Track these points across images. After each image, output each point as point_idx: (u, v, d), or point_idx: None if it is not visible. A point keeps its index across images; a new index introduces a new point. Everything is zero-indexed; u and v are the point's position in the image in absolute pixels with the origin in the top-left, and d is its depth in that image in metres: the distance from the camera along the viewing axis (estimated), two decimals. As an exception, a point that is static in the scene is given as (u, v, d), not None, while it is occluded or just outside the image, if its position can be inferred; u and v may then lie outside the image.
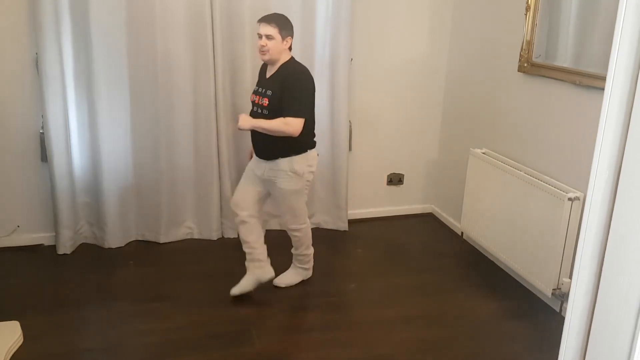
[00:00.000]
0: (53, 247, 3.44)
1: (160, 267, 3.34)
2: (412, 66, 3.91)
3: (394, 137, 4.02)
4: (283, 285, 3.07)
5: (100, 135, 3.35)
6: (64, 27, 3.15)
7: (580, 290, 1.26)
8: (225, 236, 3.72)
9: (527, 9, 3.03)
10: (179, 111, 3.45)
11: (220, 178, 3.62)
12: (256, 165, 2.88)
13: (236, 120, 2.81)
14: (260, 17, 2.74)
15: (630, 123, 1.11)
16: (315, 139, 2.91)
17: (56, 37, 3.14)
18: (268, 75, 2.79)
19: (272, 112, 2.70)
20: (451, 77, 3.95)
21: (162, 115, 3.42)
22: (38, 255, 3.44)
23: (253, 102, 2.82)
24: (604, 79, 1.24)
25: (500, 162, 3.25)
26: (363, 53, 3.75)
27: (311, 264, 3.17)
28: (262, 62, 2.87)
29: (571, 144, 2.82)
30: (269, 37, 2.66)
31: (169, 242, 3.63)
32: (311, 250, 3.13)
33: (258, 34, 2.70)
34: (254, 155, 2.90)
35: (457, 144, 3.87)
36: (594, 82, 2.61)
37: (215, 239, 3.69)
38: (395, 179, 4.13)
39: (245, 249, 2.96)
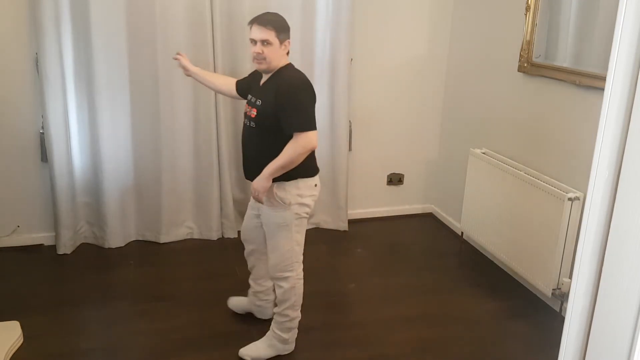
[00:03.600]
0: (53, 247, 3.44)
1: (160, 267, 3.34)
2: (412, 66, 3.91)
3: (394, 137, 4.02)
4: (248, 359, 2.47)
5: (100, 135, 3.35)
6: (64, 27, 3.15)
7: (580, 290, 1.26)
8: (225, 236, 3.72)
9: (527, 9, 3.03)
10: (179, 111, 3.45)
11: (220, 178, 3.62)
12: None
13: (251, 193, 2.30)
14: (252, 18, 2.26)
15: (630, 123, 1.11)
16: (316, 165, 2.39)
17: (56, 37, 3.14)
18: (262, 82, 2.34)
19: (259, 126, 2.27)
20: (451, 77, 3.95)
21: (162, 115, 3.42)
22: (38, 255, 3.44)
23: (244, 114, 2.39)
24: (604, 79, 1.24)
25: (500, 162, 3.25)
26: (363, 53, 3.75)
27: (294, 335, 2.50)
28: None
29: (571, 144, 2.82)
30: (265, 42, 2.18)
31: (169, 242, 3.63)
32: (298, 315, 2.48)
33: (251, 39, 2.22)
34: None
35: (457, 144, 3.87)
36: (594, 82, 2.61)
37: (215, 239, 3.69)
38: (395, 179, 4.13)
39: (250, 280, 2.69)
